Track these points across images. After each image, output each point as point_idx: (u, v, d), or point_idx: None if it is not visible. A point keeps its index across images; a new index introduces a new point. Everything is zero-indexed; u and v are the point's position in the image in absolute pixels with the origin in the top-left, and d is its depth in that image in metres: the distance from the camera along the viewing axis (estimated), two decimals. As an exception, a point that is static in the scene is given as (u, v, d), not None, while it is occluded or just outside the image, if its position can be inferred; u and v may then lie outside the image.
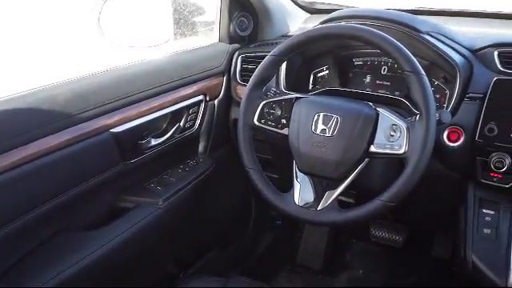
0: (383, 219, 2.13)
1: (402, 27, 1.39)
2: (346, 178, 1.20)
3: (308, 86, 1.65)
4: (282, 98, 1.28)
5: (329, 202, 1.21)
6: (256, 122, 1.30)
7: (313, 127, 1.21)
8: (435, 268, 2.07)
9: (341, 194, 1.36)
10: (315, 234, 2.28)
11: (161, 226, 1.49)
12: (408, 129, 1.13)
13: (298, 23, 1.89)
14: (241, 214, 2.18)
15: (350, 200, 1.60)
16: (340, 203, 1.22)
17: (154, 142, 1.49)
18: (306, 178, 1.27)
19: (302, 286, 2.18)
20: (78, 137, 1.25)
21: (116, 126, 1.35)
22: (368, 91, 1.52)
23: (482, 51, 1.36)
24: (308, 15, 1.96)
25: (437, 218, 1.71)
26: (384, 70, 1.55)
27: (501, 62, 1.31)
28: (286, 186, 1.27)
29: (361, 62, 1.60)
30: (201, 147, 1.73)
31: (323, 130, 1.19)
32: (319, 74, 1.65)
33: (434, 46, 1.34)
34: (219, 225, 2.03)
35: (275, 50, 1.27)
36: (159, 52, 1.60)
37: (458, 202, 1.38)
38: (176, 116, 1.58)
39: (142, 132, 1.44)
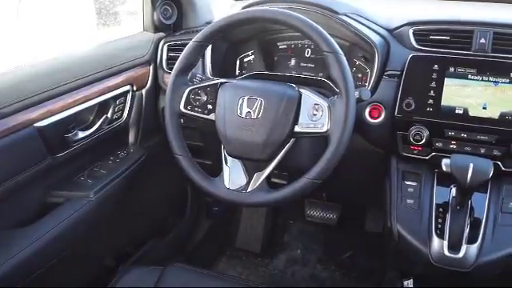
0: (317, 199, 2.20)
1: (322, 10, 1.43)
2: (274, 158, 1.23)
3: (235, 71, 1.67)
4: (206, 83, 1.29)
5: (258, 183, 1.24)
6: (182, 109, 1.30)
7: (238, 111, 1.22)
8: (369, 242, 2.16)
9: (272, 175, 1.39)
10: (253, 217, 2.32)
11: (94, 219, 1.47)
12: (329, 107, 1.16)
13: (223, 10, 1.90)
14: (177, 202, 2.18)
15: (283, 181, 1.64)
16: (273, 185, 1.25)
17: (81, 134, 1.46)
18: (238, 162, 1.29)
19: (242, 269, 2.22)
20: (0, 133, 1.21)
21: (40, 120, 1.31)
22: (293, 74, 1.55)
23: (398, 30, 1.42)
24: (233, 1, 1.97)
25: (366, 193, 1.77)
26: (308, 53, 1.59)
27: (416, 40, 1.37)
28: (220, 172, 1.29)
29: (285, 46, 1.63)
30: (131, 138, 1.71)
31: (248, 113, 1.21)
32: (245, 59, 1.67)
33: (352, 26, 1.39)
34: (156, 214, 2.02)
35: (197, 37, 1.28)
36: (82, 43, 1.57)
37: (383, 175, 1.44)
38: (103, 107, 1.55)
39: (68, 125, 1.41)
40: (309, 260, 2.26)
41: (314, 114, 1.18)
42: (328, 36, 1.17)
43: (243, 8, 1.54)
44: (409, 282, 1.45)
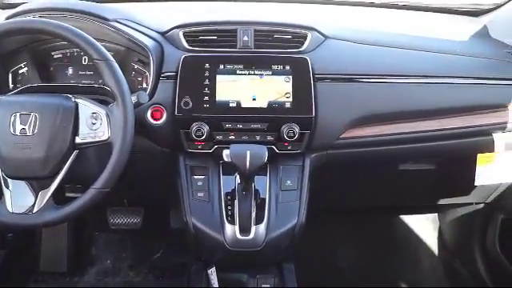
0: (119, 206, 2.18)
1: (91, 17, 1.41)
2: (58, 173, 1.19)
3: (8, 86, 1.55)
4: None
5: (44, 201, 1.19)
6: None
7: (11, 129, 1.16)
8: (176, 239, 2.21)
9: (66, 190, 1.33)
10: (55, 236, 2.21)
11: None
12: (107, 115, 1.17)
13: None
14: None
15: (78, 195, 1.59)
16: (69, 200, 1.21)
17: None
18: (22, 183, 1.22)
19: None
20: None
21: None
22: (71, 83, 1.51)
23: (169, 32, 1.47)
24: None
25: (164, 193, 1.81)
26: (85, 61, 1.56)
27: (187, 41, 1.44)
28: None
29: (60, 55, 1.57)
30: None
31: (23, 130, 1.16)
32: (19, 72, 1.57)
33: (124, 32, 1.40)
34: None
35: None
36: None
37: (175, 173, 1.48)
38: None
39: None
40: (120, 269, 2.23)
41: (93, 123, 1.18)
42: (96, 43, 1.17)
43: (6, 18, 1.45)
44: (212, 270, 1.52)
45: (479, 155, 1.54)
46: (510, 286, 1.95)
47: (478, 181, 1.56)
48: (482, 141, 1.53)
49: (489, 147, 1.53)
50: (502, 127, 1.52)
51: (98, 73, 1.52)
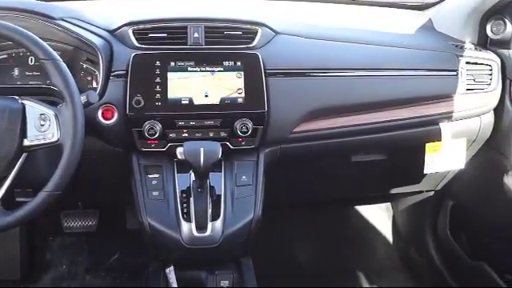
0: (73, 209, 2.14)
1: (36, 16, 1.37)
2: (6, 178, 1.16)
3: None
4: None
5: None
6: None
7: None
8: (133, 239, 2.18)
9: (16, 194, 1.30)
10: (5, 242, 2.14)
11: None
12: (56, 116, 1.15)
13: None
14: None
15: (29, 199, 1.55)
16: (20, 205, 1.18)
17: None
18: None
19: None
20: None
21: None
22: (18, 84, 1.47)
23: (118, 30, 1.44)
24: None
25: (119, 193, 1.78)
26: (32, 61, 1.51)
27: (136, 39, 1.42)
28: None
29: (5, 56, 1.52)
30: None
31: None
32: (-38, 74, 1.52)
33: (70, 31, 1.37)
34: None
35: None
36: None
37: (128, 173, 1.46)
38: None
39: None
40: (76, 273, 2.19)
41: (42, 125, 1.15)
42: (42, 43, 1.15)
43: None
44: (170, 269, 1.52)
45: (427, 144, 1.60)
46: (461, 268, 2.02)
47: (427, 169, 1.61)
48: (430, 130, 1.58)
49: (436, 136, 1.58)
50: (448, 117, 1.58)
51: (45, 73, 1.49)
